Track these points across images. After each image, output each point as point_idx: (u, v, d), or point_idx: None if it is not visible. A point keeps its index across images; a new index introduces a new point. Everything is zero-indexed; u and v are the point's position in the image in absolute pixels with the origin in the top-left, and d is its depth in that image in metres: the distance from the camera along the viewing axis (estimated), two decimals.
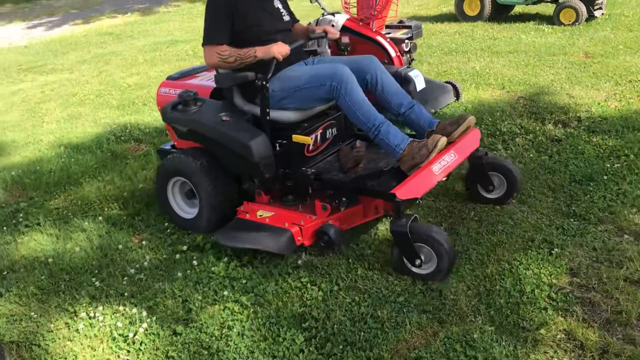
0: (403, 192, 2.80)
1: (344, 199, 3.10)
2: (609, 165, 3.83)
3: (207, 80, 3.73)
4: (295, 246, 3.07)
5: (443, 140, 2.92)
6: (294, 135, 3.17)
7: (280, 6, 3.40)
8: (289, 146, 3.21)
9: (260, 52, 3.11)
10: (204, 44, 3.21)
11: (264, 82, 3.08)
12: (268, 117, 3.16)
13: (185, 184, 3.54)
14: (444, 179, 3.18)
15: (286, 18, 3.41)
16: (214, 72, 3.35)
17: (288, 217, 3.17)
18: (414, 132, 3.26)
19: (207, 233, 3.40)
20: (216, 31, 3.16)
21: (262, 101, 3.14)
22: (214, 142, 3.27)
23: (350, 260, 3.08)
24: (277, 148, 3.21)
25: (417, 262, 2.81)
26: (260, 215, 3.27)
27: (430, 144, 2.89)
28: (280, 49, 3.10)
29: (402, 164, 2.97)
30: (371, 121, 3.01)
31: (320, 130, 3.39)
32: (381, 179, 3.06)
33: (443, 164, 2.96)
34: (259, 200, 3.40)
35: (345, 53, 3.64)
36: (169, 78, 3.93)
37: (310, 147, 3.33)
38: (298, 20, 3.61)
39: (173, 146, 3.86)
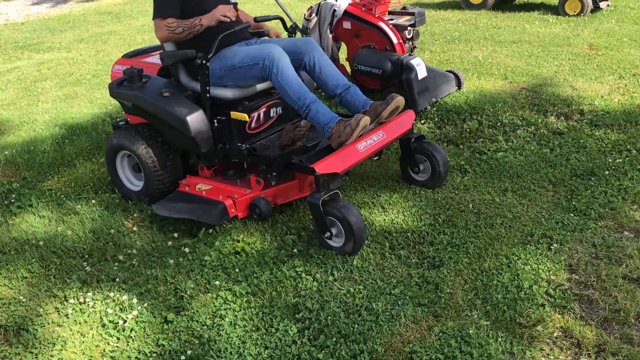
0: (322, 166, 2.93)
1: (274, 173, 3.21)
2: (610, 160, 3.78)
3: (159, 59, 3.80)
4: (228, 217, 3.22)
5: (366, 119, 3.04)
6: (232, 112, 3.28)
7: None
8: (227, 122, 3.33)
9: (205, 19, 3.24)
10: (153, 18, 3.31)
11: (204, 61, 3.17)
12: (208, 95, 3.28)
13: (132, 157, 3.66)
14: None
15: None
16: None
17: (224, 190, 3.33)
18: (349, 113, 3.36)
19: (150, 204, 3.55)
20: (166, 5, 3.28)
21: (202, 79, 3.25)
22: (154, 117, 3.40)
23: None
24: (216, 124, 3.32)
25: (327, 234, 2.97)
26: (199, 188, 3.42)
27: (354, 123, 3.03)
28: (223, 10, 3.21)
29: (332, 141, 3.11)
30: (302, 100, 3.13)
31: (264, 109, 3.50)
32: (309, 155, 3.18)
33: (370, 143, 3.11)
34: (202, 174, 3.54)
35: (294, 35, 3.79)
36: (124, 56, 4.03)
37: (253, 125, 3.44)
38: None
39: (126, 121, 3.93)
